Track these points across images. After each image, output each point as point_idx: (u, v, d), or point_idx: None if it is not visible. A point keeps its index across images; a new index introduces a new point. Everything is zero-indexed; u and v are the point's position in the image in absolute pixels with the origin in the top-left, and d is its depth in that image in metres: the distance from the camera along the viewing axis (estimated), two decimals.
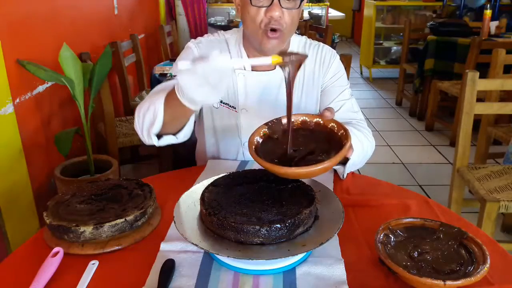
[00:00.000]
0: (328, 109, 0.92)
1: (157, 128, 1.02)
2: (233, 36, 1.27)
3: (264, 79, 1.25)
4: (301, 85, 1.28)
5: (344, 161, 1.12)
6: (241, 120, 1.27)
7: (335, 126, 0.91)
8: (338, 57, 1.31)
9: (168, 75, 1.25)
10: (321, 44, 1.31)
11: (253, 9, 1.09)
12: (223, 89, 0.83)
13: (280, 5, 1.07)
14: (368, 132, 1.23)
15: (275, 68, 1.24)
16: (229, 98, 1.26)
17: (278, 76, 1.25)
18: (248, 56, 1.24)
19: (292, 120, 0.92)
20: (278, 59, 0.83)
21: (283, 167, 0.80)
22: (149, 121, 1.03)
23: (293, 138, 0.90)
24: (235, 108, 1.27)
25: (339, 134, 0.89)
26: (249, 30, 1.15)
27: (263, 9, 1.09)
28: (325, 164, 0.79)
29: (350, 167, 1.13)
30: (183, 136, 1.09)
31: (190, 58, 1.20)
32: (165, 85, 1.16)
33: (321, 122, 0.93)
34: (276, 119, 0.96)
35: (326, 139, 0.91)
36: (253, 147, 0.89)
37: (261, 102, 1.25)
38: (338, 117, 1.23)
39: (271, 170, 0.82)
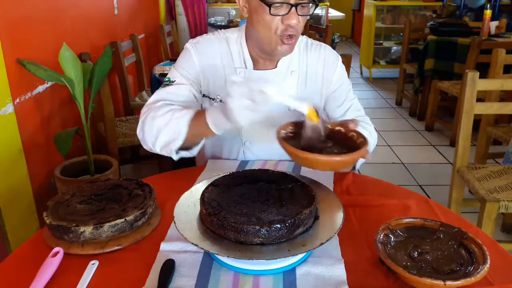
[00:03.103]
0: (353, 121, 0.96)
1: (177, 145, 1.08)
2: (234, 35, 1.26)
3: (265, 77, 1.25)
4: (304, 78, 1.28)
5: None
6: None
7: (355, 135, 0.96)
8: (340, 58, 1.33)
9: (166, 79, 1.25)
10: (322, 44, 1.32)
11: (269, 17, 1.09)
12: (262, 114, 0.92)
13: (297, 12, 1.08)
14: (372, 128, 1.31)
15: (276, 67, 1.25)
16: None
17: (280, 73, 1.25)
18: (251, 55, 1.24)
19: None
20: (314, 112, 0.92)
21: (306, 152, 0.83)
22: (167, 138, 1.09)
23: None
24: None
25: (358, 142, 0.93)
26: (261, 36, 1.14)
27: (280, 17, 1.09)
28: (344, 157, 0.84)
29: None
30: (197, 151, 1.14)
31: (189, 61, 1.22)
32: (165, 95, 1.19)
33: (342, 130, 0.98)
34: (302, 121, 1.00)
35: (346, 146, 0.94)
36: (280, 136, 0.93)
37: None
38: (347, 116, 1.30)
39: (295, 155, 0.85)
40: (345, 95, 1.33)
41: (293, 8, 1.07)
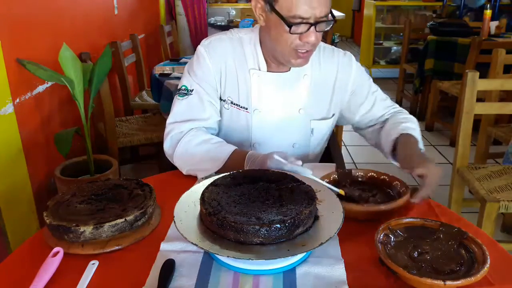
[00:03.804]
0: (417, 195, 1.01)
1: (204, 175, 1.13)
2: (248, 35, 1.25)
3: (278, 79, 1.24)
4: (316, 82, 1.28)
5: None
6: (253, 120, 1.26)
7: (398, 183, 1.06)
8: (353, 57, 1.33)
9: (183, 87, 1.24)
10: (334, 48, 1.32)
11: (288, 35, 1.09)
12: None
13: (315, 30, 1.08)
14: (407, 115, 1.32)
15: (289, 70, 1.24)
16: (240, 99, 1.25)
17: (292, 76, 1.25)
18: (265, 57, 1.23)
19: (362, 173, 1.12)
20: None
21: (349, 204, 0.94)
22: (197, 168, 1.16)
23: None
24: (246, 109, 1.26)
25: (401, 191, 1.03)
26: (277, 48, 1.15)
27: (297, 35, 1.09)
28: (389, 205, 0.95)
29: None
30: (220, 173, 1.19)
31: (204, 67, 1.23)
32: (190, 112, 1.22)
33: (387, 179, 1.09)
34: (347, 170, 1.12)
35: (386, 192, 1.07)
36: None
37: (274, 103, 1.26)
38: (375, 109, 1.33)
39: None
40: (367, 91, 1.33)
41: (312, 27, 1.07)
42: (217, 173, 1.12)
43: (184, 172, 1.19)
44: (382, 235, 0.85)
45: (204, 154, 1.16)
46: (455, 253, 0.82)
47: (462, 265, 0.79)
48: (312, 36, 1.08)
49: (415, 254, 0.81)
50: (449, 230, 0.86)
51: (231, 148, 1.16)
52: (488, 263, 0.76)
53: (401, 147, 1.17)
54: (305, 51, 1.13)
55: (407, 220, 0.90)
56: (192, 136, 1.19)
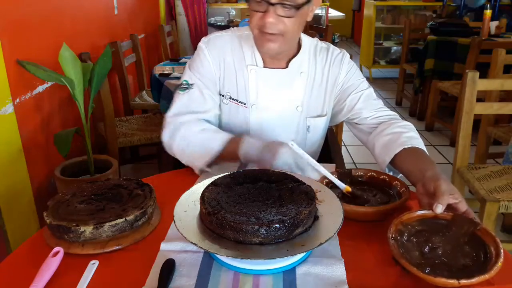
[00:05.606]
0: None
1: (201, 165, 1.16)
2: (246, 33, 1.27)
3: (276, 76, 1.26)
4: (312, 81, 1.29)
5: None
6: (251, 116, 1.28)
7: (398, 183, 1.06)
8: (347, 55, 1.33)
9: (184, 82, 1.26)
10: (331, 46, 1.33)
11: (252, 13, 1.12)
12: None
13: (276, 12, 1.09)
14: (403, 121, 1.24)
15: (287, 67, 1.25)
16: (239, 94, 1.27)
17: (290, 73, 1.26)
18: (261, 55, 1.25)
19: (361, 173, 1.12)
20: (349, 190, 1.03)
21: (349, 204, 0.94)
22: (195, 157, 1.18)
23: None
24: (245, 104, 1.27)
25: (401, 191, 1.03)
26: (252, 34, 1.19)
27: (260, 14, 1.11)
28: (387, 206, 0.97)
29: None
30: (216, 169, 1.17)
31: (204, 61, 1.26)
32: (191, 105, 1.24)
33: (387, 179, 1.09)
34: (348, 169, 1.12)
35: (386, 192, 1.06)
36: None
37: (272, 99, 1.27)
38: (359, 107, 1.28)
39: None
40: (355, 87, 1.28)
41: (271, 7, 1.08)
42: (216, 160, 1.15)
43: (184, 162, 1.21)
44: (394, 231, 0.83)
45: (203, 140, 1.17)
46: (467, 246, 0.80)
47: (475, 259, 0.77)
48: (270, 17, 1.08)
49: (427, 249, 0.80)
50: (462, 221, 0.84)
51: (219, 146, 1.16)
52: (502, 257, 0.75)
53: (416, 164, 1.07)
54: (270, 33, 1.12)
55: (419, 213, 0.88)
56: (191, 125, 1.21)
